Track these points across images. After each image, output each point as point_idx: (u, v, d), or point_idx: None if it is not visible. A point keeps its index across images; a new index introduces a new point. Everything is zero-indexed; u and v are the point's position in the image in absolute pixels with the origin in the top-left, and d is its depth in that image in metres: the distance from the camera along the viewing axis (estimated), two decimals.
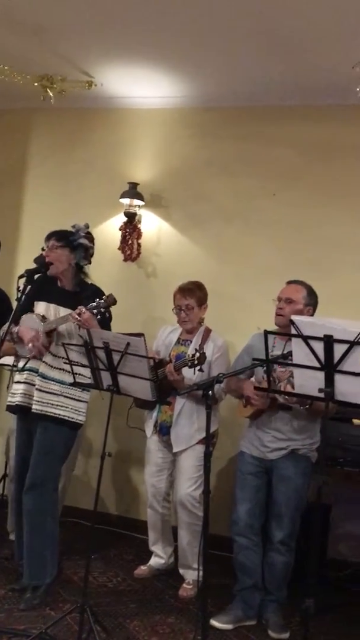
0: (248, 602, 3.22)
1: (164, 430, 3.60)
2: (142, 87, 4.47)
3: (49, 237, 3.30)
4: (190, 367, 3.26)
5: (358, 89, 2.73)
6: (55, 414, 3.19)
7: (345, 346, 2.34)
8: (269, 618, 3.20)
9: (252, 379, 3.29)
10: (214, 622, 3.11)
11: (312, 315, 3.20)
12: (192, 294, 3.59)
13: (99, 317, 3.06)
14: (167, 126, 4.65)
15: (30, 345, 3.18)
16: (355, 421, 3.55)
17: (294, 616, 3.27)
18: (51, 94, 4.35)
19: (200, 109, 4.56)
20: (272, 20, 3.38)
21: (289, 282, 3.32)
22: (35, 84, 4.33)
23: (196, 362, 3.21)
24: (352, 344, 2.32)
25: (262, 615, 3.24)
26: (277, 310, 3.22)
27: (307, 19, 3.31)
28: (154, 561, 3.75)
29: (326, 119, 4.23)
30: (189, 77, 4.23)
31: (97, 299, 3.07)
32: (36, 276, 3.22)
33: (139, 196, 4.51)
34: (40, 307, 3.30)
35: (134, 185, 4.52)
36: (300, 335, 2.39)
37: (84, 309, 3.05)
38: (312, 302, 3.24)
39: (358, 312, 3.82)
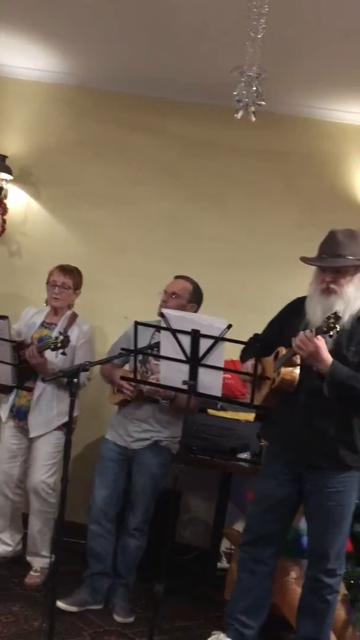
0: (96, 588, 3.25)
1: (20, 415, 3.49)
2: (16, 56, 4.24)
3: None
4: (52, 349, 3.19)
5: (235, 93, 2.80)
6: None
7: (210, 341, 2.45)
8: (116, 602, 3.26)
9: (126, 367, 3.31)
10: (59, 603, 3.05)
11: (195, 312, 3.26)
12: (72, 275, 3.55)
13: None
14: (40, 101, 4.47)
15: None
16: (210, 411, 3.70)
17: (140, 599, 3.36)
18: None
19: (76, 88, 4.44)
20: (160, 13, 3.38)
21: (177, 277, 3.36)
22: None
23: (59, 345, 3.14)
24: (217, 340, 2.44)
25: (109, 599, 3.29)
26: (162, 303, 3.25)
27: (195, 17, 3.36)
28: (0, 548, 3.65)
29: (202, 117, 4.32)
30: (67, 53, 4.09)
31: None
32: None
33: (7, 169, 4.31)
34: None
35: (2, 158, 4.30)
36: (169, 328, 2.46)
37: None
38: (196, 299, 3.32)
39: (217, 305, 3.95)
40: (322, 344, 2.53)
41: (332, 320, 2.39)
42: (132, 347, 2.81)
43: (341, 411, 2.65)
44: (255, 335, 3.00)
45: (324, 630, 2.78)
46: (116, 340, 3.45)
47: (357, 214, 4.20)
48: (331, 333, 2.42)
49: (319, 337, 2.49)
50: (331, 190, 4.28)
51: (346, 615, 3.01)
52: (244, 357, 2.93)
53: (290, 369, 2.63)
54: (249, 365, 2.79)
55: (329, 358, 2.55)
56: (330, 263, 2.68)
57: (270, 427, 2.92)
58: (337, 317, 2.39)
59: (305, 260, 2.76)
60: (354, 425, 2.68)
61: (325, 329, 2.41)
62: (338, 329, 2.41)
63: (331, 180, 4.30)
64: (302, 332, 2.55)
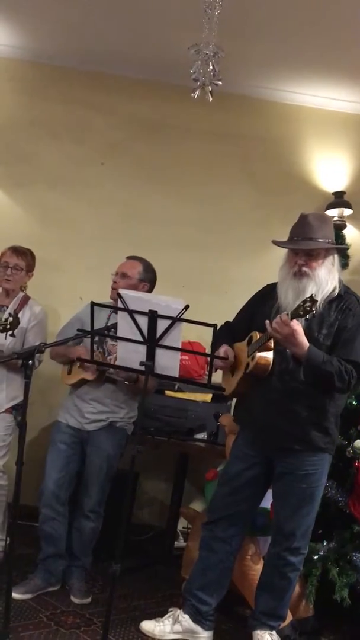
0: (50, 571, 3.22)
1: None
2: None
3: None
4: (1, 331, 3.13)
5: (192, 71, 2.76)
6: None
7: (167, 322, 2.44)
8: (72, 584, 3.24)
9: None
10: (14, 594, 3.05)
11: (148, 291, 3.25)
12: (25, 257, 3.46)
13: None
14: None
15: None
16: (168, 392, 3.72)
17: (97, 580, 3.36)
18: None
19: (28, 64, 4.31)
20: None
21: (128, 257, 3.34)
22: None
23: (8, 326, 3.08)
24: (174, 320, 2.43)
25: (66, 581, 3.27)
26: (112, 284, 3.23)
27: None
28: None
29: (157, 95, 4.27)
30: (18, 26, 3.95)
31: None
32: None
33: None
34: None
35: None
36: (126, 309, 2.44)
37: None
38: (147, 277, 3.29)
39: (174, 287, 3.95)
40: (299, 328, 2.54)
41: (308, 304, 2.39)
42: (88, 329, 2.77)
43: (314, 394, 2.68)
44: (227, 322, 3.01)
45: (283, 605, 2.85)
46: (66, 323, 3.40)
47: (313, 195, 4.26)
48: (307, 317, 2.44)
49: (294, 320, 2.50)
50: (287, 172, 4.31)
51: (300, 589, 3.09)
52: (214, 347, 2.87)
53: (264, 353, 2.65)
54: (223, 350, 2.81)
55: (305, 342, 2.56)
56: (303, 245, 2.69)
57: (242, 410, 2.93)
58: (313, 300, 2.39)
59: (277, 243, 2.76)
60: (326, 407, 2.71)
61: (301, 313, 2.42)
62: (314, 313, 2.42)
63: (287, 162, 4.32)
64: (279, 315, 2.55)
